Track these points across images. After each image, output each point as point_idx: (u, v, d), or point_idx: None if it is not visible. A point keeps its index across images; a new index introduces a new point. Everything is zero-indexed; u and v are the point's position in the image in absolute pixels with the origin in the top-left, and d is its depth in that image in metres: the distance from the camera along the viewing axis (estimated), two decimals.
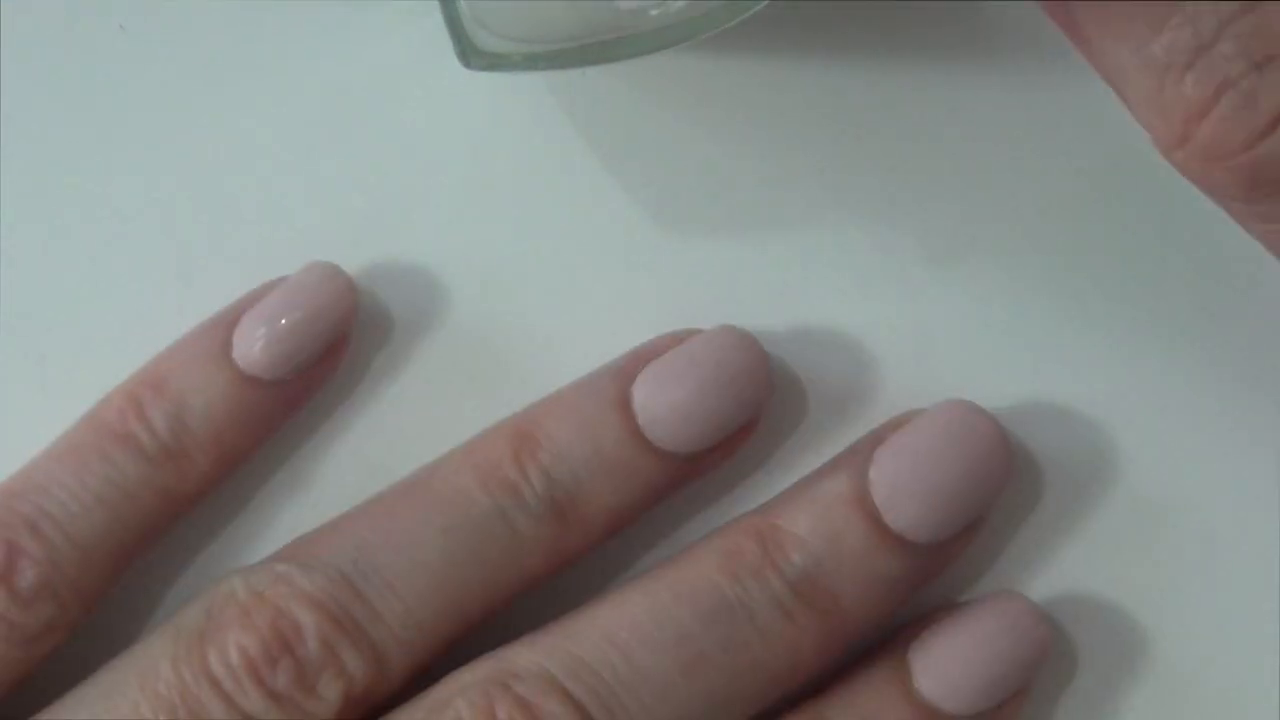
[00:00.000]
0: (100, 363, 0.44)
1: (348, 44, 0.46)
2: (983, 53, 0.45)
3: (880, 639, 0.38)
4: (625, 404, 0.36)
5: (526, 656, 0.35)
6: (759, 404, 0.38)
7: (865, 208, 0.45)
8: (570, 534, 0.36)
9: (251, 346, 0.38)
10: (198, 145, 0.46)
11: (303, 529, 0.42)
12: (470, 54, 0.38)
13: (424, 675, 0.36)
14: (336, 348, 0.40)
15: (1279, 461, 0.44)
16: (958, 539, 0.37)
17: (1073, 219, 0.45)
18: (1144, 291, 0.45)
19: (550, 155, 0.45)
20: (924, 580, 0.37)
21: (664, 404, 0.35)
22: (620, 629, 0.34)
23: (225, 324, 0.40)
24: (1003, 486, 0.37)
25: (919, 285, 0.44)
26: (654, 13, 0.37)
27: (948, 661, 0.34)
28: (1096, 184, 0.45)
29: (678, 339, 0.39)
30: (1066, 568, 0.43)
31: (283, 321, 0.39)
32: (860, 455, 0.37)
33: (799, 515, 0.35)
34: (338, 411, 0.45)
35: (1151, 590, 0.43)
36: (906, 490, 0.34)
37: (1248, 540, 0.43)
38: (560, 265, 0.45)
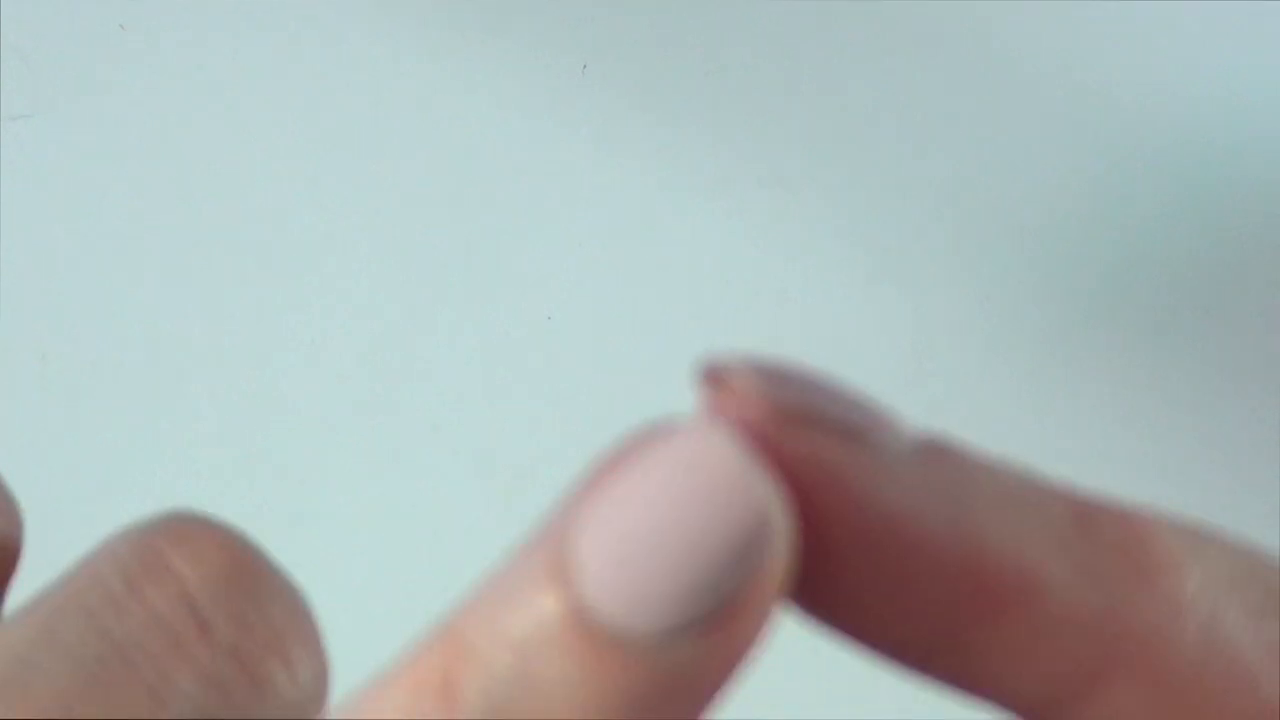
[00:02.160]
0: (100, 363, 0.44)
1: (348, 43, 0.46)
2: (983, 53, 0.45)
3: None
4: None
5: None
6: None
7: (866, 207, 0.45)
8: None
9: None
10: (197, 145, 0.46)
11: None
12: None
13: None
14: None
15: (1279, 461, 0.44)
16: (722, 625, 0.23)
17: (1073, 219, 0.45)
18: (1144, 291, 0.45)
19: (550, 154, 0.45)
20: (704, 682, 0.23)
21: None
22: None
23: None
24: (762, 548, 0.23)
25: (919, 287, 0.44)
26: None
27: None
28: (1097, 184, 0.45)
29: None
30: None
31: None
32: (570, 516, 0.24)
33: (488, 613, 0.24)
34: (340, 412, 0.45)
35: None
36: (617, 570, 0.23)
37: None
38: (560, 264, 0.45)
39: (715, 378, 0.23)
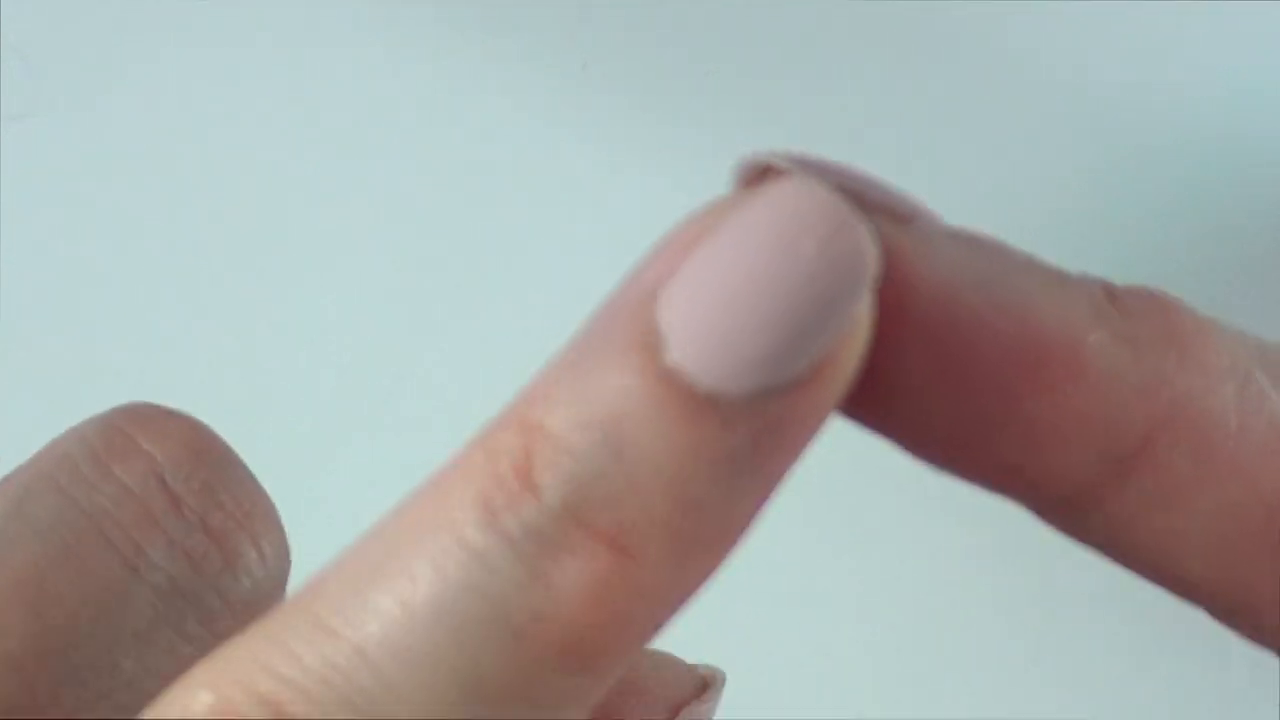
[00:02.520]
0: (100, 363, 0.44)
1: (347, 43, 0.46)
2: (983, 53, 0.45)
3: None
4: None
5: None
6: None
7: None
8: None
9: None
10: (197, 145, 0.46)
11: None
12: None
13: None
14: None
15: None
16: (813, 381, 0.22)
17: (1073, 218, 0.45)
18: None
19: (549, 154, 0.45)
20: (792, 447, 0.23)
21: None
22: (330, 617, 0.23)
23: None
24: (859, 295, 0.22)
25: None
26: None
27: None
28: (1097, 184, 0.45)
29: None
30: (1067, 567, 0.43)
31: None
32: (646, 290, 0.23)
33: (565, 394, 0.23)
34: (339, 412, 0.45)
35: (1150, 590, 0.43)
36: (706, 327, 0.22)
37: None
38: (559, 264, 0.45)
39: (758, 172, 0.23)
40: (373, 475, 0.44)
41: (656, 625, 0.22)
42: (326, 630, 0.22)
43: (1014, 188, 0.45)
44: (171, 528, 0.29)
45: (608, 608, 0.22)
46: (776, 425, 0.22)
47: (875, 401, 0.22)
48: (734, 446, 0.22)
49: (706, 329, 0.22)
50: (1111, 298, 0.22)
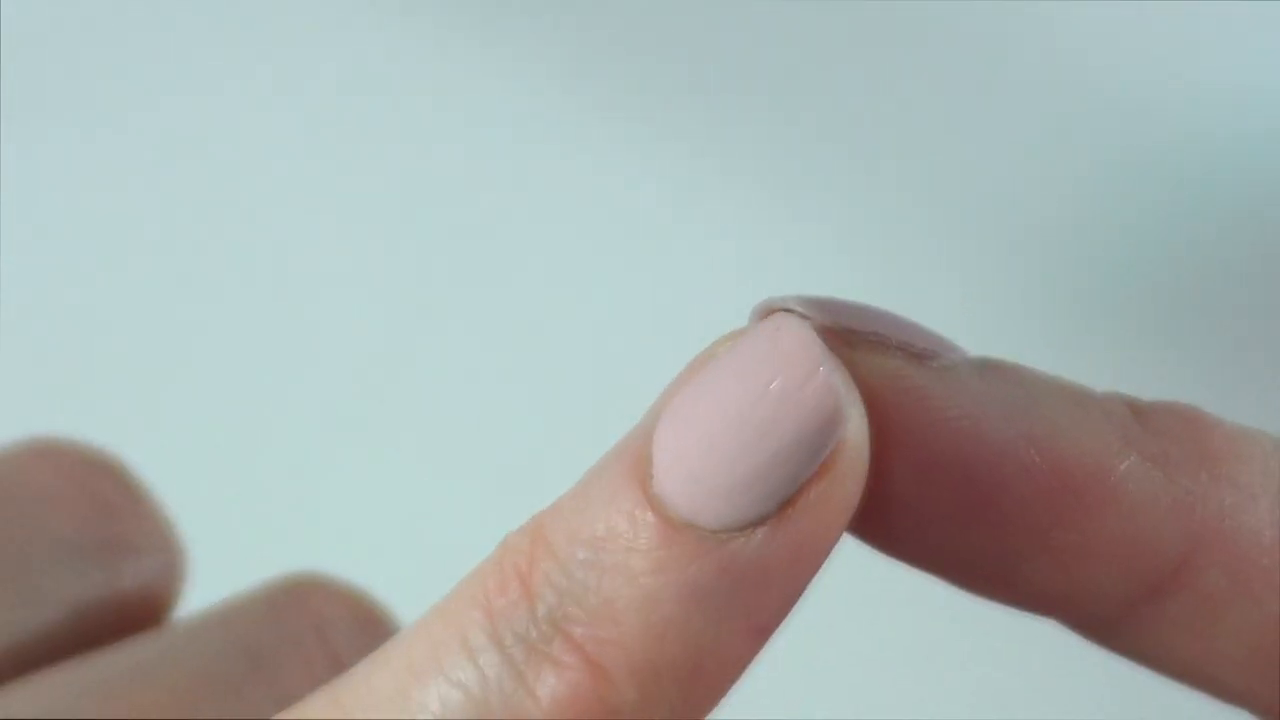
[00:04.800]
0: (99, 363, 0.44)
1: (346, 43, 0.46)
2: (983, 53, 0.45)
3: None
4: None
5: None
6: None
7: (866, 207, 0.45)
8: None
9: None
10: (198, 145, 0.46)
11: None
12: None
13: None
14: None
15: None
16: (785, 514, 0.23)
17: (1073, 218, 0.45)
18: (1144, 291, 0.45)
19: (549, 154, 0.45)
20: (772, 581, 0.24)
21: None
22: (342, 693, 0.25)
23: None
24: (827, 436, 0.23)
25: (919, 286, 0.44)
26: None
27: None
28: (1097, 184, 0.45)
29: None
30: None
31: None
32: (651, 416, 0.25)
33: (568, 510, 0.24)
34: (339, 416, 0.45)
35: None
36: (681, 460, 0.23)
37: None
38: (559, 264, 0.45)
39: (769, 314, 0.23)
40: (372, 475, 0.44)
41: None
42: (337, 706, 0.24)
43: (1013, 187, 0.45)
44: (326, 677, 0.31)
45: None
46: (750, 558, 0.22)
47: (904, 533, 0.22)
48: (704, 574, 0.22)
49: (683, 463, 0.23)
50: (1139, 417, 0.22)
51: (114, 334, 0.45)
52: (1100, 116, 0.44)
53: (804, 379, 0.22)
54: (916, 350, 0.23)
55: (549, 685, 0.23)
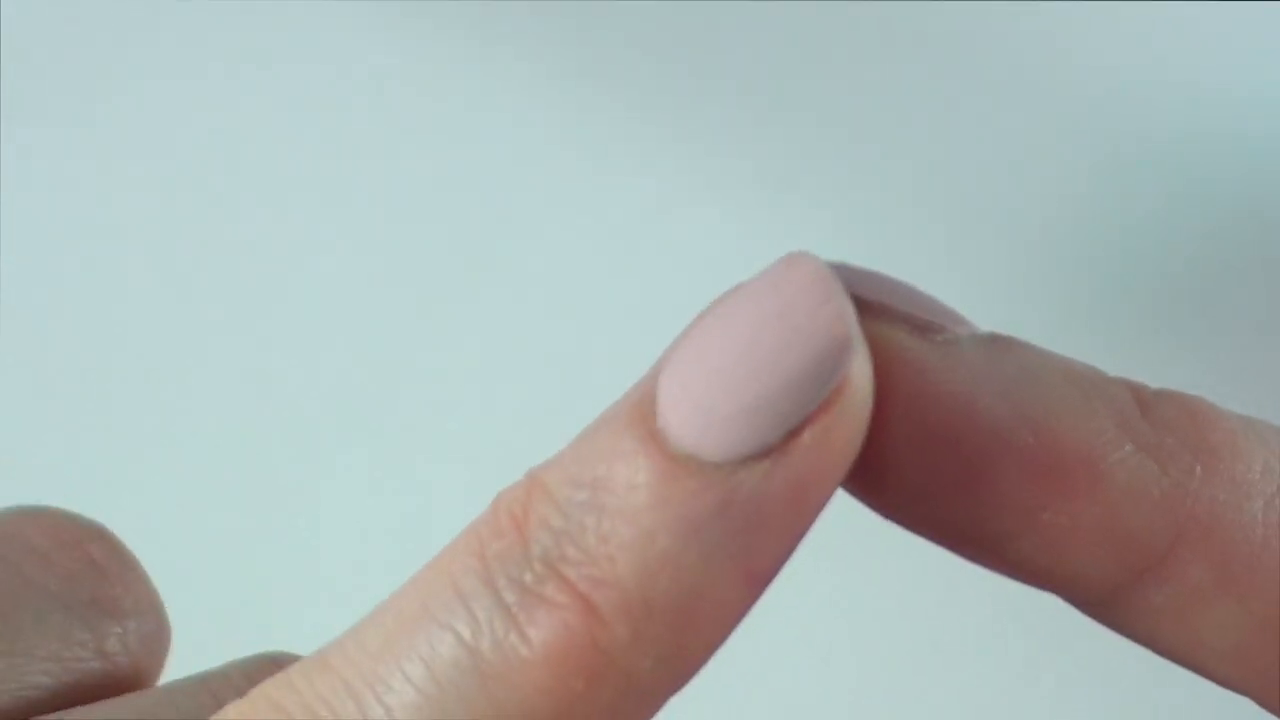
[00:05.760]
0: (99, 363, 0.44)
1: (347, 43, 0.46)
2: (983, 53, 0.45)
3: None
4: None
5: None
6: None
7: (865, 207, 0.45)
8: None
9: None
10: (198, 146, 0.46)
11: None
12: None
13: None
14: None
15: None
16: (790, 445, 0.23)
17: (1073, 218, 0.45)
18: (1144, 292, 0.45)
19: (549, 154, 0.45)
20: (771, 520, 0.23)
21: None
22: (331, 652, 0.25)
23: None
24: (837, 366, 0.22)
25: (919, 284, 0.44)
26: None
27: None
28: (1097, 184, 0.45)
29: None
30: None
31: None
32: (660, 359, 0.24)
33: (567, 456, 0.24)
34: (341, 419, 0.45)
35: None
36: (687, 392, 0.23)
37: None
38: (558, 265, 0.45)
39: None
40: (371, 476, 0.44)
41: (635, 694, 0.22)
42: (324, 665, 0.24)
43: (1013, 187, 0.45)
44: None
45: (571, 664, 0.22)
46: (751, 493, 0.22)
47: (897, 496, 0.22)
48: (705, 508, 0.22)
49: (689, 393, 0.22)
50: (1143, 406, 0.22)
51: (112, 335, 0.46)
52: (1100, 116, 0.44)
53: (815, 306, 0.22)
54: (921, 322, 0.23)
55: (541, 626, 0.22)
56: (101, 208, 0.46)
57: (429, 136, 0.46)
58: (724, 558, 0.22)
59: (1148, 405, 0.22)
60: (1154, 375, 0.46)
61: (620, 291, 0.45)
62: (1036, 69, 0.45)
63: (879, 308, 0.22)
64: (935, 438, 0.22)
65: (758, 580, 0.22)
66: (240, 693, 0.32)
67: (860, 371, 0.21)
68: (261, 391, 0.46)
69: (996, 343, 0.22)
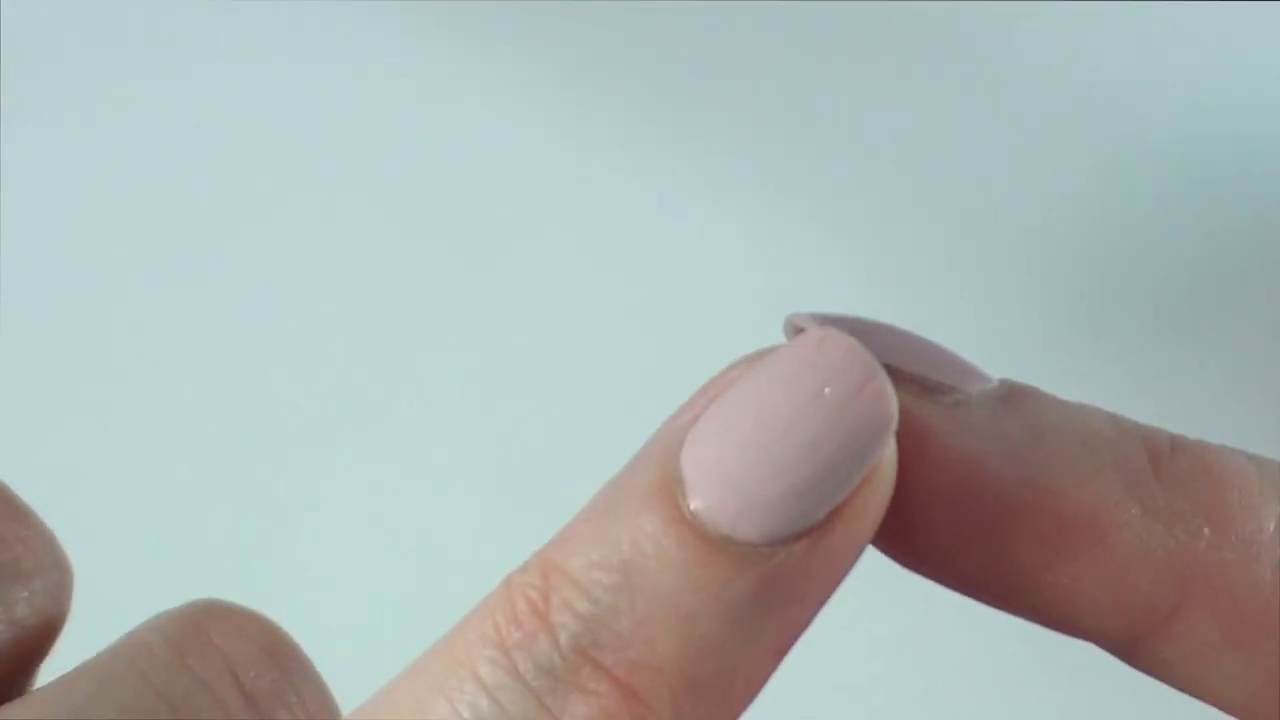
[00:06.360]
0: (99, 364, 0.44)
1: (346, 43, 0.46)
2: (983, 53, 0.45)
3: None
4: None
5: None
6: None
7: (865, 207, 0.45)
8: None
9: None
10: (198, 146, 0.46)
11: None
12: None
13: None
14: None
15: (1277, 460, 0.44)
16: (831, 523, 0.23)
17: (1073, 219, 0.45)
18: (1143, 292, 0.45)
19: (549, 154, 0.45)
20: (805, 594, 0.23)
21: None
22: None
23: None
24: (879, 443, 0.22)
25: (918, 286, 0.44)
26: None
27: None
28: (1097, 184, 0.45)
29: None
30: None
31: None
32: (673, 436, 0.24)
33: (584, 538, 0.23)
34: (343, 426, 0.45)
35: None
36: (720, 472, 0.23)
37: None
38: (558, 265, 0.45)
39: (795, 332, 0.23)
40: (370, 476, 0.44)
41: None
42: None
43: (1013, 187, 0.45)
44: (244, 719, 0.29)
45: None
46: (790, 571, 0.22)
47: (913, 553, 0.22)
48: (745, 590, 0.22)
49: (723, 472, 0.22)
50: (1156, 461, 0.22)
51: (113, 334, 0.46)
52: (1100, 116, 0.44)
53: (859, 386, 0.22)
54: (930, 384, 0.23)
55: (579, 714, 0.22)
56: (102, 208, 0.46)
57: (430, 137, 0.46)
58: (762, 635, 0.22)
59: (1161, 460, 0.22)
60: (1153, 375, 0.46)
61: (620, 291, 0.45)
62: (1036, 69, 0.45)
63: (889, 371, 0.22)
64: (944, 498, 0.22)
65: (788, 646, 0.22)
66: (167, 667, 0.32)
67: (891, 443, 0.21)
68: (261, 391, 0.46)
69: (1009, 400, 0.22)
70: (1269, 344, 0.44)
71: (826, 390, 0.22)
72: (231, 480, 0.44)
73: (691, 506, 0.22)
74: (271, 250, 0.46)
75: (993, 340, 0.45)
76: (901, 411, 0.21)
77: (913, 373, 0.22)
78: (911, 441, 0.21)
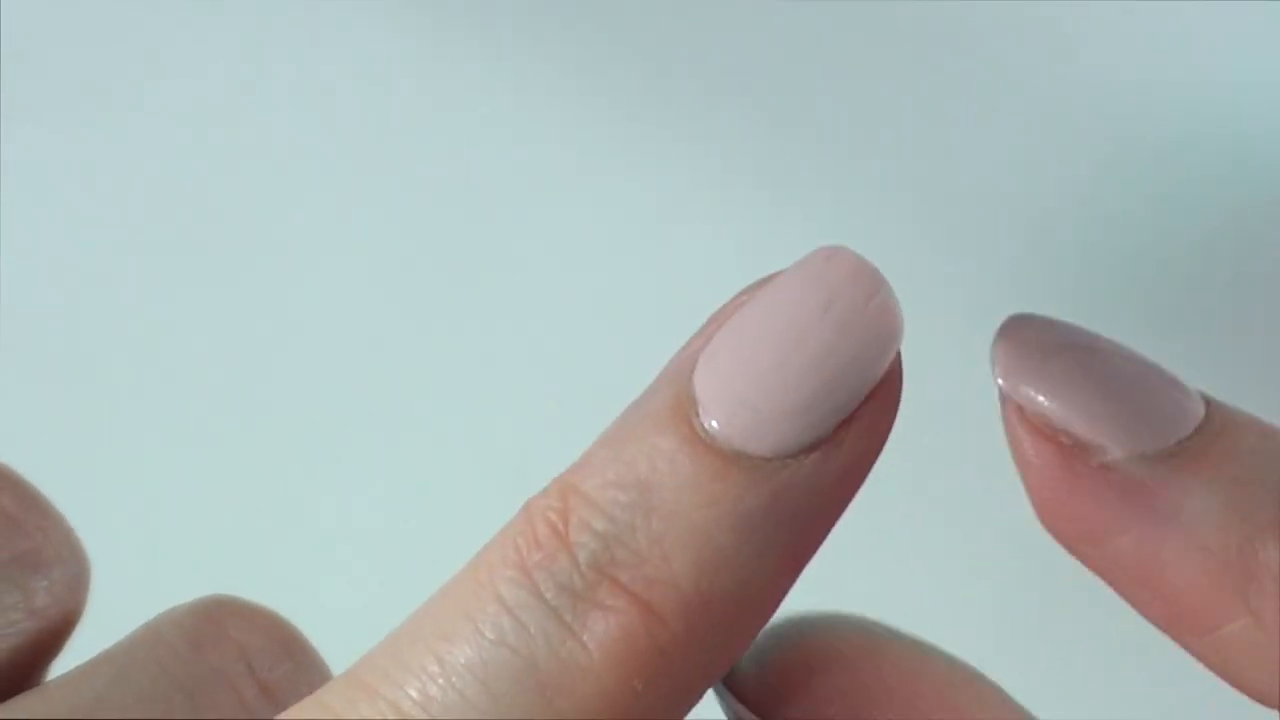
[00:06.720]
0: (99, 364, 0.44)
1: (347, 42, 0.46)
2: (983, 53, 0.45)
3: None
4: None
5: None
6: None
7: (865, 207, 0.45)
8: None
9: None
10: (198, 146, 0.46)
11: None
12: None
13: None
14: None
15: None
16: (840, 435, 0.23)
17: (1073, 219, 0.45)
18: (1143, 292, 0.45)
19: (548, 154, 0.45)
20: (818, 509, 0.23)
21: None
22: (369, 676, 0.24)
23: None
24: (885, 355, 0.23)
25: (918, 287, 0.44)
26: None
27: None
28: (1097, 184, 0.45)
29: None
30: (1066, 570, 0.43)
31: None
32: (686, 360, 0.25)
33: (601, 460, 0.24)
34: (343, 432, 0.45)
35: None
36: (732, 389, 0.23)
37: None
38: (557, 266, 0.45)
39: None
40: (376, 475, 0.44)
41: (686, 688, 0.22)
42: (365, 688, 0.23)
43: (1014, 188, 0.45)
44: (262, 711, 0.30)
45: (631, 666, 0.22)
46: (802, 485, 0.22)
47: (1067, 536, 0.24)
48: (758, 503, 0.22)
49: (734, 390, 0.23)
50: (1259, 562, 0.22)
51: (113, 334, 0.46)
52: (1100, 116, 0.44)
53: (866, 298, 0.23)
54: (1079, 438, 0.23)
55: (598, 631, 0.22)
56: (102, 208, 0.46)
57: (430, 137, 0.46)
58: (775, 549, 0.22)
59: (1264, 563, 0.22)
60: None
61: (620, 292, 0.45)
62: (1036, 69, 0.45)
63: (1036, 420, 0.23)
64: (1073, 538, 0.24)
65: (801, 565, 0.22)
66: (184, 657, 0.32)
67: (898, 355, 0.22)
68: (271, 389, 0.46)
69: (1158, 467, 0.23)
70: (1269, 344, 0.44)
71: (833, 305, 0.23)
72: (236, 480, 0.44)
73: (705, 425, 0.23)
74: (274, 249, 0.46)
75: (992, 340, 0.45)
76: (1036, 468, 0.22)
77: (1058, 428, 0.23)
78: (1047, 490, 0.23)
